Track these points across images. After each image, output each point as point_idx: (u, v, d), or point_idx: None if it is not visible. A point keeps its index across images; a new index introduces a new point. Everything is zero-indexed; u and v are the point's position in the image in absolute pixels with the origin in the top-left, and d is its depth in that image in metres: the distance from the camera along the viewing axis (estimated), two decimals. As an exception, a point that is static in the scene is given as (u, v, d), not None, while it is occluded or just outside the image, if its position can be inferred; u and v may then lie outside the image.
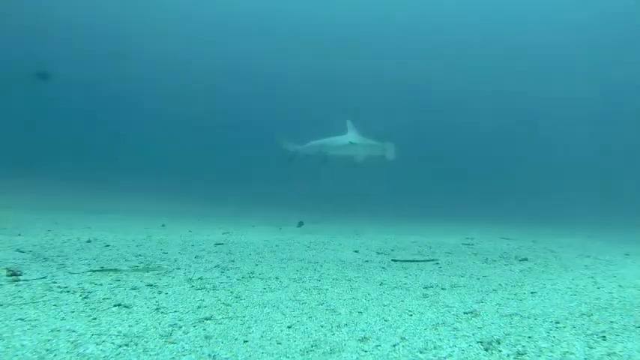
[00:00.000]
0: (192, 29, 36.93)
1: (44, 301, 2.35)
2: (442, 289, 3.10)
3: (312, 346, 1.90)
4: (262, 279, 3.21)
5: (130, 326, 2.04)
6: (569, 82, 33.90)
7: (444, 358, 1.79)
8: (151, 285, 2.83)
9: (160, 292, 2.66)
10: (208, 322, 2.17)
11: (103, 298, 2.46)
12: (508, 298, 2.84)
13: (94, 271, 3.16)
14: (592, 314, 2.43)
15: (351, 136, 12.36)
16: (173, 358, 1.72)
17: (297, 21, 36.41)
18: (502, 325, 2.23)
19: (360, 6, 36.00)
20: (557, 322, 2.26)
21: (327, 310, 2.47)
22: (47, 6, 33.42)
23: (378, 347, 1.90)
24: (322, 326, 2.18)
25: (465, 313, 2.45)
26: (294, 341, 1.96)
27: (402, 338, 2.01)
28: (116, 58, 35.26)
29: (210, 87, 37.33)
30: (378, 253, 4.79)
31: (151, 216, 9.55)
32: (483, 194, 22.89)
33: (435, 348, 1.89)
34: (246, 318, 2.26)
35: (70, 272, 3.08)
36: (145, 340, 1.88)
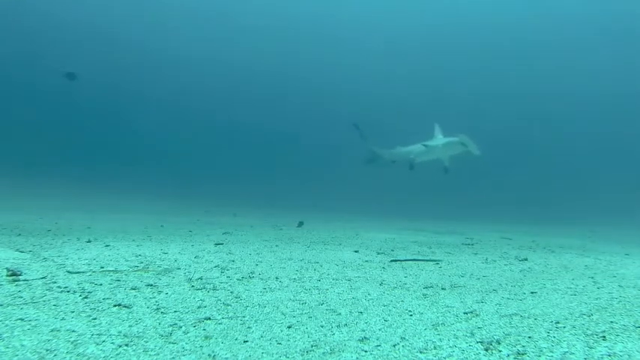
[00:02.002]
0: (195, 26, 36.91)
1: (44, 301, 2.35)
2: (442, 289, 3.10)
3: (312, 346, 1.90)
4: (262, 279, 3.20)
5: (130, 326, 2.03)
6: (575, 82, 33.89)
7: (444, 358, 1.78)
8: (151, 285, 2.83)
9: (159, 292, 2.66)
10: (208, 322, 2.17)
11: (103, 298, 2.46)
12: (508, 298, 2.84)
13: (94, 271, 3.16)
14: (592, 314, 2.43)
15: (438, 139, 11.88)
16: (173, 358, 1.72)
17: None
18: (502, 325, 2.23)
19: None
20: (557, 322, 2.26)
21: (327, 310, 2.47)
22: (58, 7, 33.46)
23: (378, 347, 1.90)
24: (322, 326, 2.17)
25: (464, 313, 2.45)
26: (294, 341, 1.96)
27: (402, 338, 2.01)
28: (115, 58, 35.26)
29: (211, 87, 37.32)
30: (378, 253, 4.79)
31: (151, 216, 9.54)
32: (483, 194, 22.87)
33: (435, 348, 1.89)
34: (246, 318, 2.26)
35: (70, 272, 3.08)
36: (145, 340, 1.88)
